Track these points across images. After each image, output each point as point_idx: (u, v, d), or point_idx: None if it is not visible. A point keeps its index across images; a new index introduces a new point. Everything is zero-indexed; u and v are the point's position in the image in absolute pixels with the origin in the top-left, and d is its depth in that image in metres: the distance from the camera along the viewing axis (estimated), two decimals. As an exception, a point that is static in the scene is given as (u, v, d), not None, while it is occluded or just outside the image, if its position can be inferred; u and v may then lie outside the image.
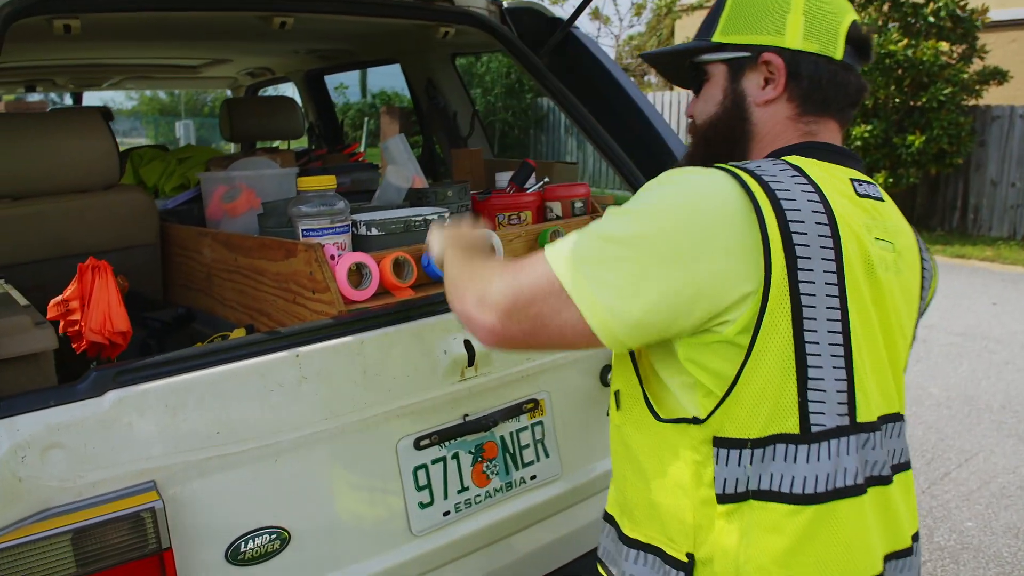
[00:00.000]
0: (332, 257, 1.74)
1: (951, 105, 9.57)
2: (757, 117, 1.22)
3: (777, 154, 1.18)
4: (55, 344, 1.45)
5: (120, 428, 1.32)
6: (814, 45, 1.17)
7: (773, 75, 1.19)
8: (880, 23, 9.92)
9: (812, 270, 1.03)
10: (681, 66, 1.31)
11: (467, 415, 1.76)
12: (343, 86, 17.18)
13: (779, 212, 1.03)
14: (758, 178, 1.06)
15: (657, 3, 17.50)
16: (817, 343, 1.03)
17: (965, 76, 9.77)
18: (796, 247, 1.02)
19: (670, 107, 14.09)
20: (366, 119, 15.91)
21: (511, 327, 1.10)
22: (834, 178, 1.15)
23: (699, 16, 16.28)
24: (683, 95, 13.90)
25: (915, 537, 1.19)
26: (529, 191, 2.29)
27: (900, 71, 9.53)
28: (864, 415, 1.08)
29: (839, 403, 1.06)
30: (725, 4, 1.25)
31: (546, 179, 2.33)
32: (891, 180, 9.85)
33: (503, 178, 2.41)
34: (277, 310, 1.90)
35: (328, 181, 1.83)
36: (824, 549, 1.05)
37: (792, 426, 1.05)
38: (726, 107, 1.24)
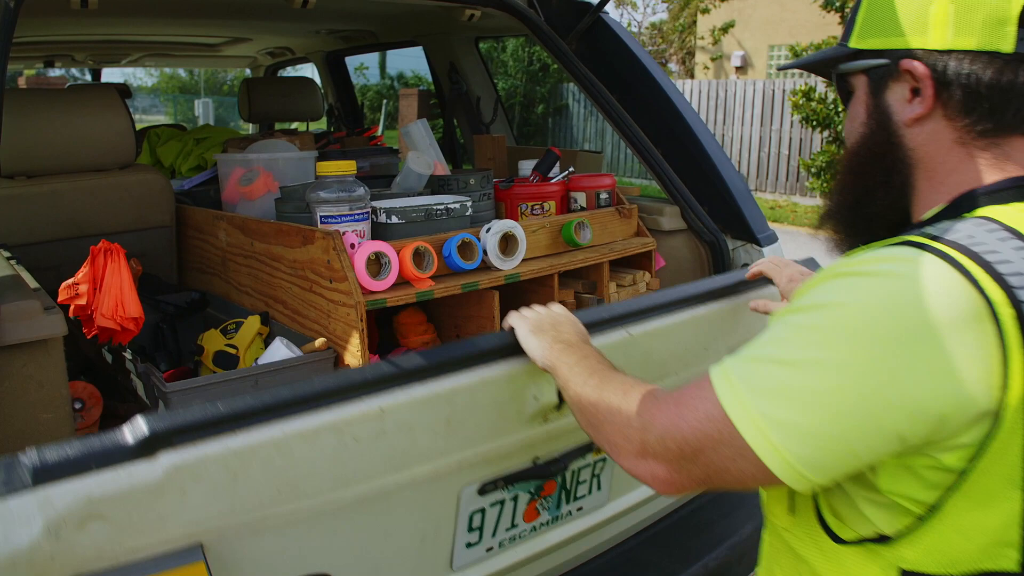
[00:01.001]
0: (351, 245, 1.68)
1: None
2: (912, 141, 0.98)
3: (972, 202, 0.92)
4: (64, 330, 1.41)
5: (172, 495, 1.12)
6: (970, 41, 0.91)
7: (919, 85, 0.95)
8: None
9: None
10: (820, 70, 1.12)
11: (537, 458, 1.59)
12: (362, 67, 17.11)
13: (1019, 309, 0.80)
14: (980, 260, 0.82)
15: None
16: None
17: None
18: None
19: (690, 95, 13.93)
20: (385, 101, 15.82)
21: (685, 477, 0.92)
22: None
23: (727, 8, 15.97)
24: (704, 83, 13.72)
25: None
26: (553, 180, 2.23)
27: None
28: None
29: None
30: (862, 1, 1.03)
31: (571, 168, 2.27)
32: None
33: (526, 166, 2.35)
34: (292, 298, 1.85)
35: (348, 166, 1.78)
36: None
37: (1011, 563, 0.85)
38: (871, 128, 1.01)
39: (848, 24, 1.05)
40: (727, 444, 0.87)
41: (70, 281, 1.67)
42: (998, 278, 0.81)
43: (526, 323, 1.36)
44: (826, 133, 10.29)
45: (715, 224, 2.25)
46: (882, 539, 0.89)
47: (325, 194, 1.74)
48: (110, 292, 1.62)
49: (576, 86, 2.41)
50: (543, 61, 15.21)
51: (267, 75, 4.55)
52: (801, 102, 10.14)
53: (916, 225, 0.97)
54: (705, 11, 16.52)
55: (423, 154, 2.13)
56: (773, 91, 12.35)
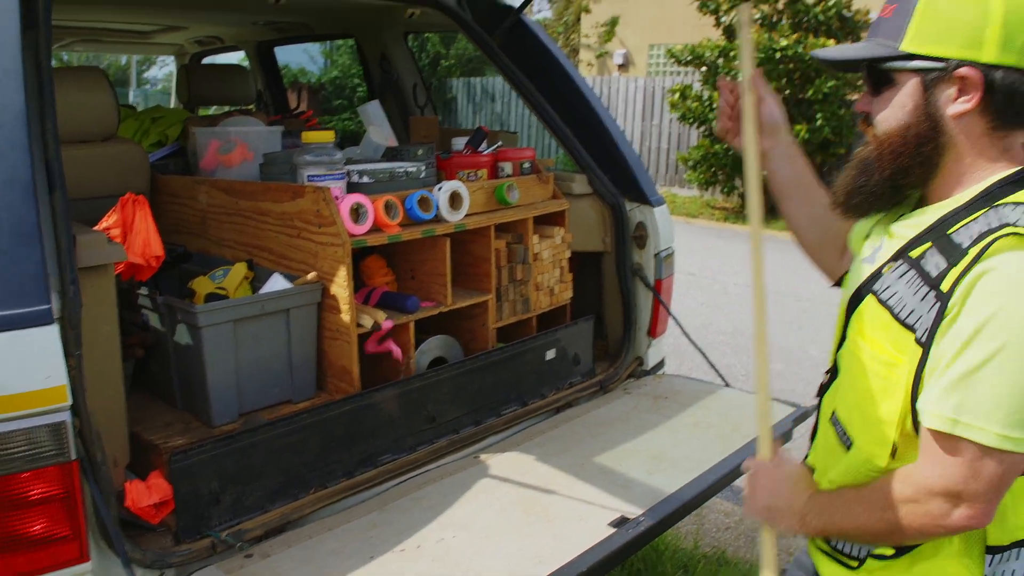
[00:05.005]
0: (336, 198, 2.09)
1: (834, 98, 10.38)
2: (950, 130, 1.20)
3: (1002, 192, 1.18)
4: (125, 258, 1.77)
5: None
6: (1011, 58, 1.15)
7: (967, 89, 1.17)
8: (773, 19, 10.65)
9: None
10: (857, 65, 1.30)
11: None
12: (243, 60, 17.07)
13: None
14: None
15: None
16: None
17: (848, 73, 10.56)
18: None
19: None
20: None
21: (986, 502, 1.14)
22: None
23: (607, 6, 16.76)
24: (588, 80, 14.41)
25: None
26: (484, 153, 2.68)
27: (791, 65, 10.26)
28: None
29: None
30: (914, 9, 1.20)
31: (499, 143, 2.73)
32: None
33: (459, 142, 2.79)
34: (279, 245, 2.24)
35: (328, 136, 2.19)
36: None
37: None
38: (919, 118, 1.21)
39: (895, 27, 1.22)
40: (995, 459, 1.10)
41: (100, 227, 2.00)
42: None
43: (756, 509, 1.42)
44: (702, 128, 11.12)
45: (616, 189, 2.76)
46: None
47: (311, 157, 2.14)
48: (139, 234, 1.97)
49: (496, 77, 2.82)
50: (432, 56, 15.71)
51: (191, 63, 4.80)
52: (678, 101, 10.95)
53: (957, 211, 1.20)
54: (587, 10, 17.30)
55: (380, 128, 2.54)
56: (653, 88, 13.16)
